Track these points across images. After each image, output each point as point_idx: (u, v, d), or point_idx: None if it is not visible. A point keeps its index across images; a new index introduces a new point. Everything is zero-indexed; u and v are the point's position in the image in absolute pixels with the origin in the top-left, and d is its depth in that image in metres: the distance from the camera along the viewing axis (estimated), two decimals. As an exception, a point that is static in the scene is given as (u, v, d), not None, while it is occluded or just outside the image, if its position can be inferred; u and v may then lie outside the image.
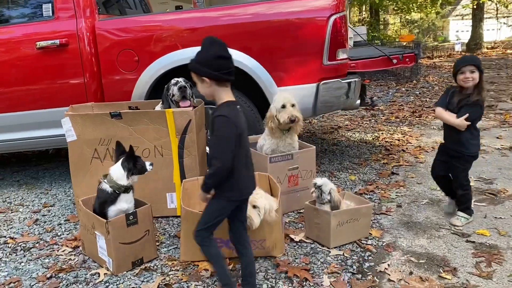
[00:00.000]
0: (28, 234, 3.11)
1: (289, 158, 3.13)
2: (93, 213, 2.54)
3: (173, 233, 2.99)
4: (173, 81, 3.26)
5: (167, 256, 2.67)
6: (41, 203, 3.70)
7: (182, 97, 3.20)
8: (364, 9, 27.03)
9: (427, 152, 4.57)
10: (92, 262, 2.65)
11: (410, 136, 5.30)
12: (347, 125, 6.18)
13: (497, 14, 27.15)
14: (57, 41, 3.55)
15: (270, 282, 2.35)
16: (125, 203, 2.55)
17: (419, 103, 7.62)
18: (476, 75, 2.69)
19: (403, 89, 9.53)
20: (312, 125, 6.35)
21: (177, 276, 2.43)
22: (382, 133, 5.52)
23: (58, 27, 3.60)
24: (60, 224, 3.26)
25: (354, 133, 5.63)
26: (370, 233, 2.82)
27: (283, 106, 3.06)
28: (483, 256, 2.49)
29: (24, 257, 2.78)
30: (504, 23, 27.62)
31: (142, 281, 2.41)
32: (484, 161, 4.17)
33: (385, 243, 2.71)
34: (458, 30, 33.82)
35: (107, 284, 2.41)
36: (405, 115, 6.60)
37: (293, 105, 3.08)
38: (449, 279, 2.30)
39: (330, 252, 2.63)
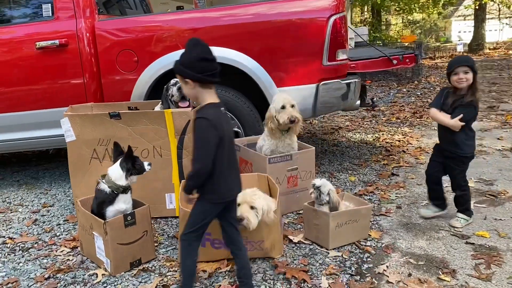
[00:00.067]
0: (27, 234, 3.11)
1: (288, 159, 3.12)
2: (91, 214, 2.54)
3: (171, 233, 2.98)
4: (172, 81, 3.26)
5: (166, 256, 2.66)
6: (40, 203, 3.70)
7: (181, 98, 3.20)
8: (366, 10, 27.00)
9: (428, 153, 4.55)
10: (90, 262, 2.64)
11: (410, 137, 5.29)
12: (347, 125, 6.17)
13: (499, 14, 27.09)
14: (57, 41, 3.55)
15: (268, 284, 2.34)
16: (123, 203, 2.54)
17: (420, 104, 7.60)
18: (470, 75, 2.68)
19: (404, 89, 9.51)
20: (312, 125, 6.34)
21: (175, 277, 2.43)
22: (383, 134, 5.51)
23: (58, 27, 3.61)
24: (59, 224, 3.26)
25: (355, 134, 5.62)
26: (369, 234, 2.81)
27: (283, 107, 3.05)
28: (482, 258, 2.48)
29: (22, 257, 2.78)
30: (507, 23, 27.56)
31: (140, 282, 2.41)
32: (485, 162, 4.15)
33: (384, 245, 2.70)
34: (460, 31, 33.76)
35: (105, 284, 2.40)
36: (406, 116, 6.59)
37: (292, 106, 3.07)
38: (448, 281, 2.29)
39: (328, 253, 2.62)
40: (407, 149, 4.74)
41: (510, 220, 2.95)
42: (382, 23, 24.25)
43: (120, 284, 2.40)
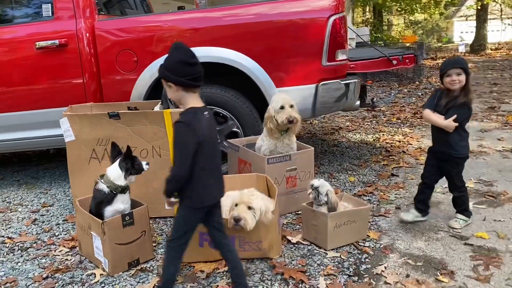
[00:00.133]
0: (26, 234, 3.11)
1: (287, 159, 3.12)
2: (89, 214, 2.54)
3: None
4: (171, 81, 3.25)
5: (164, 257, 2.66)
6: (40, 203, 3.71)
7: (180, 98, 3.19)
8: (367, 10, 27.00)
9: (428, 153, 4.55)
10: (89, 262, 2.65)
11: (411, 137, 5.28)
12: (348, 126, 6.16)
13: (501, 15, 27.03)
14: (57, 41, 3.55)
15: (266, 284, 2.34)
16: (121, 203, 2.55)
17: (421, 104, 7.58)
18: (462, 77, 2.68)
19: (406, 90, 9.51)
20: (313, 126, 6.34)
21: (173, 277, 2.42)
22: (383, 134, 5.50)
23: (58, 27, 3.61)
24: (58, 224, 3.26)
25: (355, 134, 5.61)
26: (368, 235, 2.80)
27: (282, 107, 3.05)
28: (481, 259, 2.47)
29: (21, 257, 2.78)
30: (509, 24, 27.47)
31: (138, 282, 2.41)
32: (485, 163, 4.14)
33: (382, 245, 2.70)
34: (462, 31, 33.71)
35: (103, 285, 2.40)
36: (406, 116, 6.58)
37: (291, 106, 3.07)
38: (446, 282, 2.29)
39: (327, 254, 2.61)
40: (407, 150, 4.73)
41: (509, 221, 2.94)
42: (384, 23, 24.24)
43: (118, 284, 2.40)
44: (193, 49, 3.43)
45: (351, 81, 3.67)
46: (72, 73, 3.62)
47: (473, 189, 3.51)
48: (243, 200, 2.44)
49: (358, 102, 4.04)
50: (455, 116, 2.67)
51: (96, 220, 2.44)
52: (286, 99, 3.08)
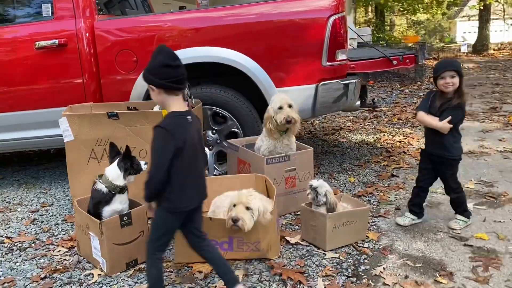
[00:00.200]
0: (25, 233, 3.11)
1: (286, 160, 3.11)
2: (88, 214, 2.54)
3: (169, 234, 2.97)
4: (170, 81, 3.24)
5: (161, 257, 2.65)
6: (39, 203, 3.71)
7: (179, 98, 3.18)
8: (370, 10, 26.96)
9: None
10: (87, 262, 2.64)
11: (411, 138, 5.26)
12: (349, 126, 6.15)
13: (504, 15, 26.96)
14: (56, 41, 3.55)
15: (264, 285, 2.33)
16: (119, 203, 2.54)
17: (422, 105, 7.56)
18: (456, 79, 2.67)
19: (407, 90, 9.48)
20: (313, 126, 6.32)
21: (171, 278, 2.42)
22: (384, 135, 5.49)
23: (57, 27, 3.60)
24: (57, 224, 3.26)
25: (356, 135, 5.60)
26: (367, 236, 2.79)
27: (280, 107, 3.04)
28: (480, 261, 2.46)
29: (19, 257, 2.78)
30: (511, 24, 27.42)
31: (136, 282, 2.40)
32: (486, 164, 4.12)
33: (381, 246, 2.69)
34: (465, 32, 33.65)
35: (101, 285, 2.40)
36: (407, 117, 6.56)
37: (290, 106, 3.06)
38: (444, 283, 2.27)
39: (325, 254, 2.60)
40: (408, 150, 4.72)
41: (509, 223, 2.92)
42: (386, 23, 24.21)
43: (115, 284, 2.39)
44: (193, 49, 3.54)
45: (351, 81, 3.66)
46: (71, 73, 3.62)
47: (473, 190, 3.49)
48: (241, 201, 2.43)
49: (358, 103, 4.03)
50: (450, 117, 2.66)
51: (94, 220, 2.44)
52: (285, 99, 3.07)
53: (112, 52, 3.60)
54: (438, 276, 2.34)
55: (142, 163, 2.55)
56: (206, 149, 3.82)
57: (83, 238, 2.64)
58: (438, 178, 2.92)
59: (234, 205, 2.44)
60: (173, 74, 1.92)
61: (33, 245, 2.93)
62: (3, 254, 2.83)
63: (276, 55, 3.54)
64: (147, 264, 2.10)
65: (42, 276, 2.51)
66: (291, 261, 2.55)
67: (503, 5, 23.98)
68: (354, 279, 2.35)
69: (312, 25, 3.49)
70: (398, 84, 10.38)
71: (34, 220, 3.35)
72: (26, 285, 2.44)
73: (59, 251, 2.82)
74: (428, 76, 11.51)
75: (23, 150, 5.09)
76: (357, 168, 4.21)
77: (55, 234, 3.09)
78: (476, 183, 3.64)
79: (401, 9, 23.00)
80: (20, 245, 2.95)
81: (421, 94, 8.83)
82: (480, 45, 19.80)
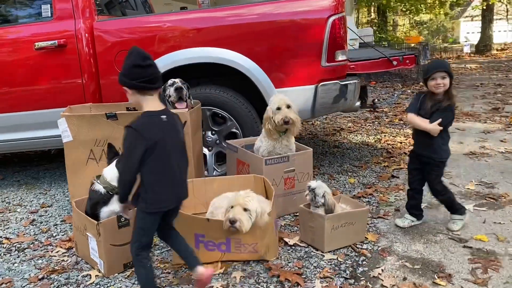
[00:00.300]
0: (24, 234, 3.11)
1: (285, 161, 3.10)
2: (85, 215, 2.53)
3: (167, 235, 2.96)
4: (169, 81, 3.25)
5: (160, 258, 2.65)
6: (39, 204, 3.71)
7: (178, 98, 3.19)
8: (372, 11, 26.93)
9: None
10: (85, 263, 2.64)
11: (412, 138, 5.22)
12: (349, 127, 6.13)
13: (507, 15, 26.87)
14: (56, 42, 3.55)
15: (261, 287, 2.32)
16: (117, 204, 2.52)
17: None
18: (447, 81, 2.65)
19: (409, 91, 9.45)
20: (314, 126, 6.31)
21: (168, 279, 2.42)
22: (385, 136, 5.47)
23: (57, 27, 3.61)
24: (56, 224, 3.26)
25: (356, 135, 5.58)
26: (366, 237, 2.78)
27: (278, 108, 3.03)
28: (479, 262, 2.44)
29: (18, 257, 2.78)
30: (515, 24, 27.34)
31: (133, 284, 2.39)
32: (487, 165, 4.10)
33: (380, 248, 2.67)
34: (468, 32, 33.57)
35: (98, 286, 2.39)
36: (409, 117, 6.52)
37: (288, 107, 3.05)
38: (443, 285, 2.26)
39: (324, 256, 2.59)
40: (408, 151, 4.67)
41: (509, 224, 2.90)
42: (389, 23, 24.17)
43: (113, 285, 2.39)
44: (193, 49, 3.53)
45: (351, 82, 3.65)
46: (71, 74, 3.62)
47: (474, 191, 3.47)
48: (239, 202, 2.43)
49: (358, 103, 4.02)
50: (440, 120, 2.64)
51: (91, 221, 2.44)
52: (283, 100, 3.06)
53: (112, 52, 3.60)
54: (436, 278, 2.32)
55: (140, 163, 2.54)
56: (206, 149, 3.81)
57: (81, 239, 2.63)
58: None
59: (232, 207, 2.43)
60: (144, 74, 1.94)
61: (31, 245, 2.93)
62: (2, 255, 2.83)
63: (275, 55, 3.52)
64: (135, 265, 2.11)
65: (40, 277, 2.51)
66: (289, 262, 2.54)
67: (506, 5, 23.89)
68: (352, 281, 2.34)
69: (312, 26, 3.48)
70: (400, 85, 10.36)
71: (33, 221, 3.35)
72: (24, 286, 2.44)
73: (57, 252, 2.81)
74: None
75: (24, 151, 5.10)
76: (357, 169, 4.20)
77: (54, 235, 3.09)
78: (477, 184, 3.62)
79: (404, 9, 22.96)
80: (19, 245, 2.94)
81: (423, 94, 8.78)
82: (483, 46, 19.74)
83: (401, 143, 5.07)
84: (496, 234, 2.76)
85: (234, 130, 3.72)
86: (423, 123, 2.71)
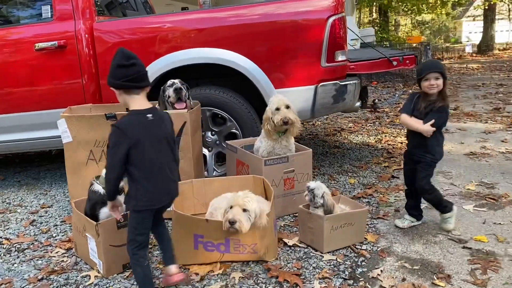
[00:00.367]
0: (24, 235, 3.12)
1: (284, 161, 3.10)
2: (84, 215, 2.54)
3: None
4: (169, 82, 3.25)
5: (159, 259, 2.65)
6: (39, 204, 3.72)
7: (177, 99, 3.20)
8: (374, 11, 26.91)
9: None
10: (84, 264, 2.64)
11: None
12: (350, 127, 6.13)
13: (509, 15, 26.81)
14: (56, 43, 3.56)
15: (260, 287, 2.32)
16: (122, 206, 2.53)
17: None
18: (440, 81, 2.64)
19: (410, 91, 9.44)
20: (315, 127, 6.31)
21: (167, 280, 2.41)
22: (385, 136, 5.47)
23: (57, 28, 3.61)
24: (56, 225, 3.27)
25: (357, 136, 5.58)
26: (365, 238, 2.78)
27: (277, 109, 3.03)
28: (479, 263, 2.43)
29: (17, 258, 2.79)
30: (517, 24, 27.26)
31: (132, 284, 2.39)
32: (487, 165, 4.09)
33: (379, 248, 2.67)
34: (470, 32, 33.51)
35: (97, 286, 2.40)
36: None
37: (287, 107, 3.04)
38: (442, 286, 2.25)
39: (323, 257, 2.59)
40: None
41: (509, 225, 2.89)
42: (391, 23, 24.14)
43: (112, 286, 2.39)
44: (193, 50, 3.53)
45: (351, 82, 3.64)
46: (71, 74, 3.63)
47: (474, 192, 3.46)
48: (238, 202, 2.43)
49: (358, 104, 4.01)
50: (433, 121, 2.64)
51: (90, 222, 2.44)
52: (282, 100, 3.06)
53: (112, 53, 3.50)
54: (435, 278, 2.32)
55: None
56: (206, 150, 3.81)
57: (80, 240, 2.64)
58: (433, 179, 2.89)
59: (231, 207, 2.43)
60: (127, 73, 1.97)
61: (31, 246, 2.94)
62: (1, 255, 2.84)
63: (275, 56, 3.52)
64: (132, 265, 2.14)
65: (39, 277, 2.51)
66: (288, 263, 2.54)
67: (508, 5, 23.84)
68: (350, 282, 2.33)
69: (311, 26, 3.47)
70: (402, 85, 10.35)
71: (33, 221, 3.36)
72: (24, 287, 2.44)
73: (57, 252, 2.82)
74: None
75: (25, 151, 5.11)
76: (358, 169, 4.19)
77: (54, 235, 3.10)
78: (477, 184, 3.61)
79: (405, 9, 22.93)
80: (19, 246, 2.95)
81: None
82: (485, 45, 19.71)
83: (401, 143, 5.06)
84: (496, 235, 2.75)
85: (234, 130, 3.72)
86: (416, 124, 2.71)
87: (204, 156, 3.75)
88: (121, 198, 2.53)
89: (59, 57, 3.60)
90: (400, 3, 20.60)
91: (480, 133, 5.30)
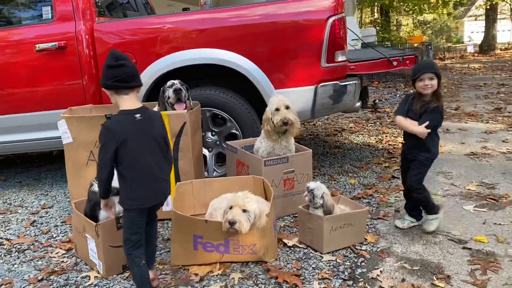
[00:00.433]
0: (24, 235, 3.13)
1: (284, 162, 3.10)
2: (84, 216, 2.54)
3: (166, 236, 2.97)
4: (169, 83, 3.25)
5: (159, 259, 2.65)
6: (40, 205, 3.73)
7: (177, 100, 3.20)
8: (375, 11, 26.89)
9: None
10: (84, 264, 2.65)
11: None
12: (351, 127, 6.13)
13: (511, 15, 26.75)
14: (56, 44, 3.57)
15: (259, 288, 2.33)
16: (116, 206, 2.54)
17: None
18: (435, 82, 2.64)
19: (411, 91, 9.39)
20: (316, 127, 6.31)
21: (166, 280, 2.42)
22: (386, 136, 5.46)
23: (57, 29, 3.62)
24: (57, 226, 3.27)
25: (358, 136, 5.57)
26: (365, 238, 2.78)
27: (277, 109, 3.03)
28: (478, 264, 2.43)
29: (18, 258, 2.79)
30: (519, 24, 27.22)
31: (132, 285, 2.40)
32: (488, 165, 4.08)
33: (379, 249, 2.67)
34: (472, 31, 33.45)
35: (97, 287, 2.40)
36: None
37: (287, 107, 3.04)
38: (442, 286, 2.25)
39: (322, 257, 2.59)
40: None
41: (510, 225, 2.89)
42: (392, 23, 24.13)
43: (112, 286, 2.39)
44: (193, 50, 3.54)
45: (351, 82, 3.64)
46: (71, 75, 3.63)
47: (474, 192, 3.46)
48: (238, 203, 2.43)
49: (359, 104, 4.01)
50: (427, 122, 2.63)
51: (90, 223, 2.44)
52: (282, 101, 3.06)
53: None
54: (435, 279, 2.31)
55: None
56: (206, 150, 3.81)
57: (80, 240, 2.64)
58: (431, 179, 2.87)
59: (231, 208, 2.43)
60: (116, 74, 1.99)
61: (31, 247, 2.95)
62: (2, 256, 2.84)
63: (275, 56, 3.52)
64: (129, 265, 2.15)
65: (40, 278, 2.52)
66: (287, 264, 2.54)
67: (510, 4, 23.79)
68: (350, 282, 2.33)
69: (311, 27, 3.47)
70: (403, 85, 10.34)
71: (33, 222, 3.36)
72: (23, 287, 2.45)
73: (57, 253, 2.82)
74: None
75: (26, 152, 5.12)
76: (358, 169, 4.19)
77: (54, 236, 3.10)
78: (478, 185, 3.61)
79: (407, 9, 22.91)
80: (19, 247, 2.96)
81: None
82: (487, 45, 19.68)
83: (402, 143, 5.04)
84: (496, 235, 2.75)
85: (234, 131, 3.72)
86: (411, 126, 2.70)
87: (204, 156, 3.76)
88: (115, 198, 2.56)
89: (59, 58, 3.60)
90: (401, 3, 20.57)
91: (481, 133, 5.29)
